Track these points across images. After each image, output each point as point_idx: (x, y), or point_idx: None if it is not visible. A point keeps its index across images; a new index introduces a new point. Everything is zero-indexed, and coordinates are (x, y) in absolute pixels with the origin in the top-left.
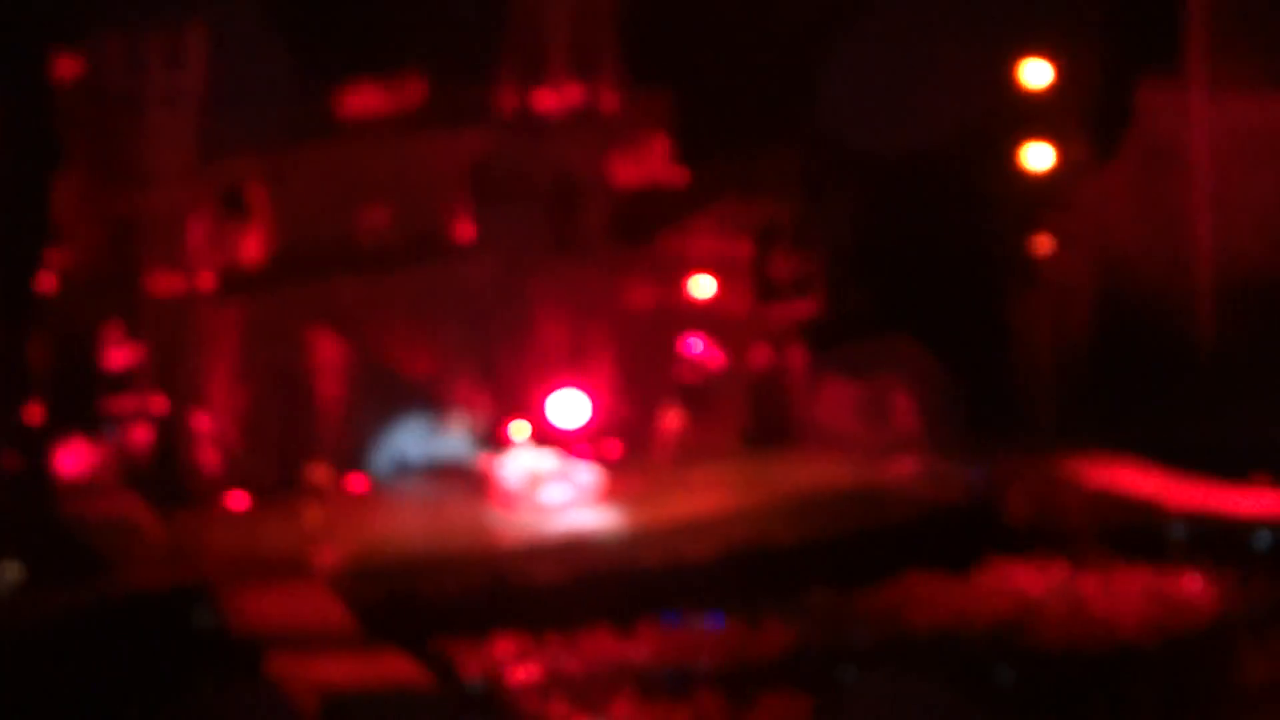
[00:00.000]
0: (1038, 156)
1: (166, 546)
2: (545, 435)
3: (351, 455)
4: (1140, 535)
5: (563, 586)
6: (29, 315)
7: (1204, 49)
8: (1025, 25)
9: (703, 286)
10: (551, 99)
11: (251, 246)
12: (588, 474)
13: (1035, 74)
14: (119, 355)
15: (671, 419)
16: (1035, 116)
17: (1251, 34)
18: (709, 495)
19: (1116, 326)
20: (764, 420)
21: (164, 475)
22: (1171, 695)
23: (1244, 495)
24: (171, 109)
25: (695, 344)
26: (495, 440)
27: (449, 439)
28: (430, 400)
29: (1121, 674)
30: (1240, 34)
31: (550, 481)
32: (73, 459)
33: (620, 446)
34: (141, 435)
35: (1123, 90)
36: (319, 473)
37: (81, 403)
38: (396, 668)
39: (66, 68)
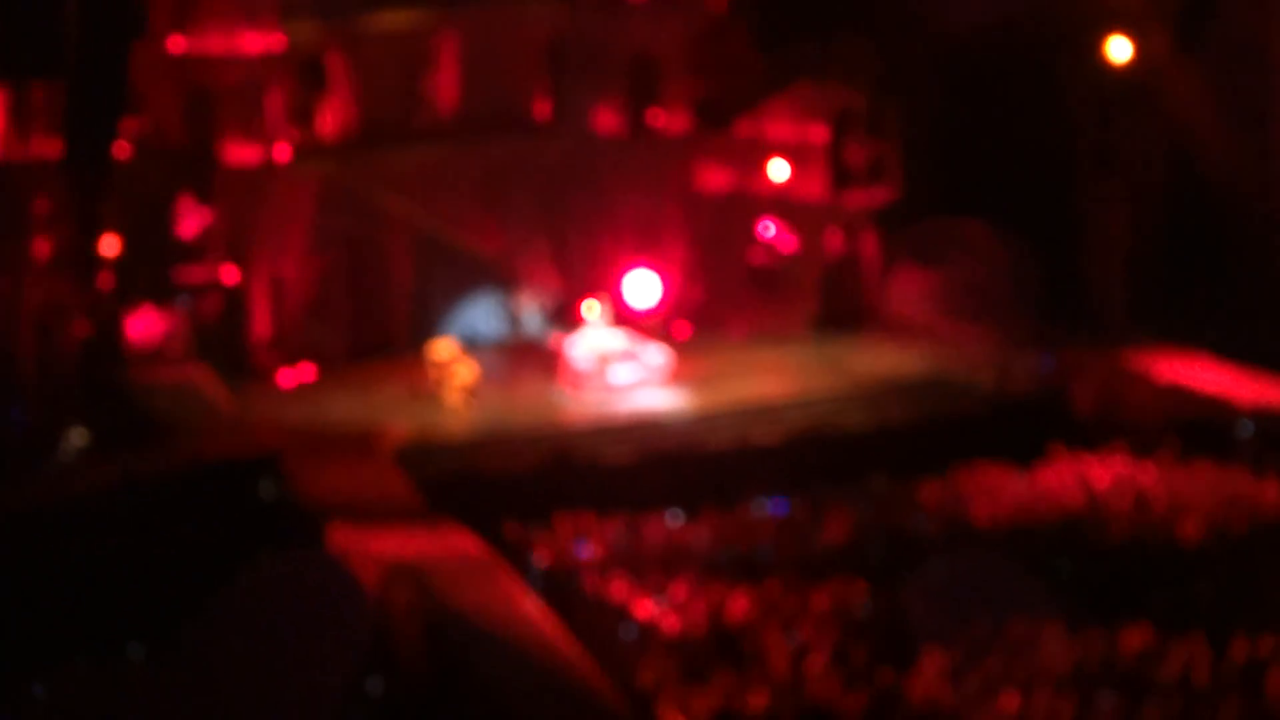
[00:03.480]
0: (1117, 48)
1: (233, 417)
2: (617, 315)
3: (422, 331)
4: (1208, 431)
5: (628, 467)
6: (104, 182)
7: None
8: None
9: (777, 171)
10: None
11: (328, 117)
12: (657, 355)
13: None
14: (192, 224)
15: None
16: (1115, 7)
17: None
18: (777, 379)
19: (1191, 221)
20: (835, 305)
21: (233, 346)
22: (1231, 594)
23: None
24: None
25: (768, 228)
26: (566, 319)
27: (520, 316)
28: (502, 277)
29: (1181, 571)
30: None
31: (619, 361)
32: (143, 327)
33: (690, 328)
34: (212, 305)
35: None
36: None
37: (153, 271)
38: (459, 543)
39: None
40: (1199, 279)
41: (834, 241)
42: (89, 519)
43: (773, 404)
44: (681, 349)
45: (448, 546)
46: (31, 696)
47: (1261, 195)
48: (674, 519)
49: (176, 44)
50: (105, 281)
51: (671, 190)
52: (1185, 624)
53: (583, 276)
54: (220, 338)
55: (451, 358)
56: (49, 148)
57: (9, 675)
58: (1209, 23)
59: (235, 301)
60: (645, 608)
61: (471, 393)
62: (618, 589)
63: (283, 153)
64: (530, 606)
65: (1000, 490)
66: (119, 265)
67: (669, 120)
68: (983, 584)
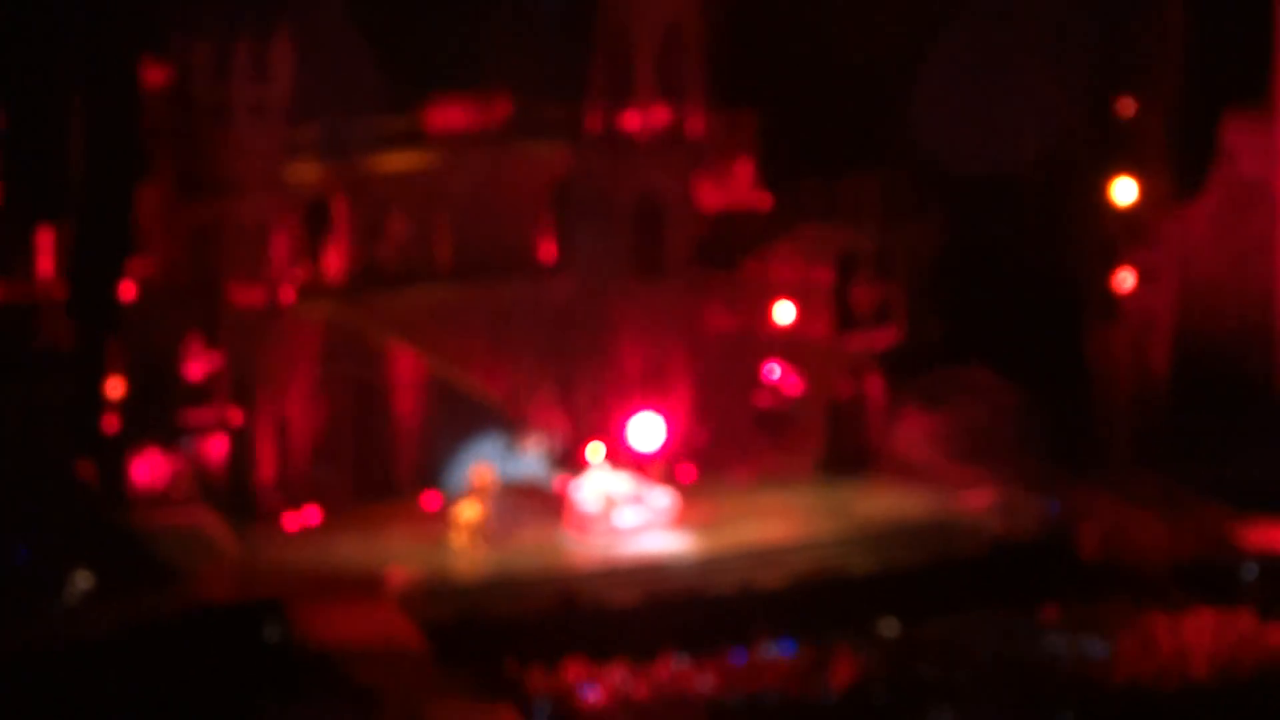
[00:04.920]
0: (1122, 189)
1: (238, 560)
2: (622, 458)
3: (426, 473)
4: (1213, 574)
5: (634, 610)
6: (109, 324)
7: None
8: (1111, 58)
9: (783, 313)
10: (638, 120)
11: (332, 258)
12: (663, 498)
13: (1121, 108)
14: (198, 366)
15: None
16: (1120, 150)
17: None
18: (782, 523)
19: (1196, 361)
20: (840, 448)
21: (238, 488)
22: None
23: None
24: (257, 119)
25: (774, 370)
26: (571, 461)
27: (525, 459)
28: (507, 419)
29: (1187, 712)
30: None
31: (625, 505)
32: (148, 469)
33: (695, 471)
34: (217, 447)
35: (1207, 126)
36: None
37: (158, 413)
38: (465, 688)
39: (155, 76)
40: (1203, 422)
41: (839, 384)
42: (93, 663)
43: (777, 548)
44: (686, 492)
45: (454, 691)
46: None
47: (1265, 336)
48: (679, 663)
49: (181, 184)
50: (110, 423)
51: (677, 332)
52: None
53: (588, 419)
54: (225, 480)
55: (488, 485)
56: (56, 289)
57: None
58: (1214, 163)
59: (240, 444)
60: None
61: (478, 534)
62: None
63: (288, 294)
64: None
65: (1008, 633)
66: (124, 407)
67: (674, 261)
68: None
